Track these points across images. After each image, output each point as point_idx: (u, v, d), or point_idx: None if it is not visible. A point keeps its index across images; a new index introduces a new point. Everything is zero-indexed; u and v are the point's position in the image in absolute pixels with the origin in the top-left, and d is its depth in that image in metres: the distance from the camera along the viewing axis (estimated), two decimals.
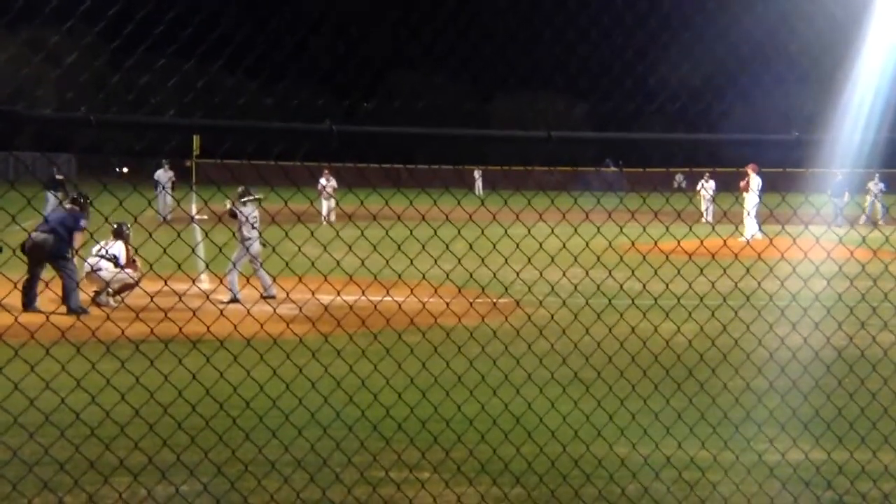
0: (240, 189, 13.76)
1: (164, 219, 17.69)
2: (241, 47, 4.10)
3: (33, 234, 11.31)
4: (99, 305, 11.64)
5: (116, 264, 12.38)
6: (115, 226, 12.38)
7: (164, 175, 28.09)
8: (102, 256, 12.32)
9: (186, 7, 3.96)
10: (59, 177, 27.83)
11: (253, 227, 13.07)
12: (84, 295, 11.45)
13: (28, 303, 11.22)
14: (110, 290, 12.08)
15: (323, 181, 27.64)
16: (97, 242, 12.37)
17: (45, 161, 41.29)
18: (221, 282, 12.10)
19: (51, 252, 11.57)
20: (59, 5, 3.36)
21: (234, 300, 11.51)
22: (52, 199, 24.94)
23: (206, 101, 4.49)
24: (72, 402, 4.53)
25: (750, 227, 20.86)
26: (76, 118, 3.03)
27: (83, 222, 12.05)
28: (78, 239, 12.03)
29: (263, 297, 11.10)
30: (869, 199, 30.33)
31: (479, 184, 46.88)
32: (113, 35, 3.88)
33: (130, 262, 12.36)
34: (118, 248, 12.55)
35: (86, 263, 12.18)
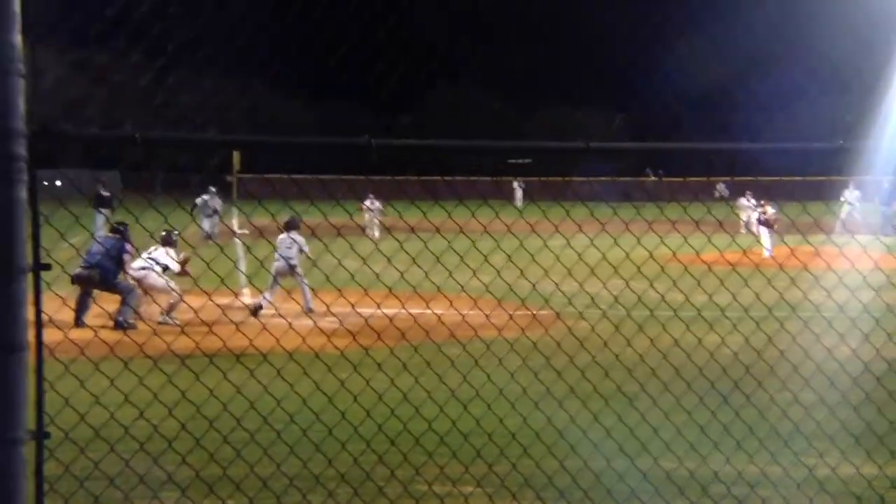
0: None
1: (209, 236, 17.80)
2: (281, 66, 4.16)
3: (79, 271, 11.62)
4: (122, 326, 11.67)
5: (165, 270, 12.67)
6: (164, 233, 12.63)
7: (211, 201, 26.43)
8: (150, 265, 12.63)
9: (229, 28, 4.03)
10: (105, 194, 28.41)
11: (286, 250, 13.35)
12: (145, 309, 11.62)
13: (78, 318, 11.48)
14: (163, 311, 12.31)
15: (368, 203, 27.02)
16: (142, 253, 12.66)
17: (92, 178, 42.13)
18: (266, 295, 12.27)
19: (100, 284, 11.88)
20: (105, 28, 3.44)
21: (258, 309, 11.82)
22: (99, 216, 25.45)
23: (248, 118, 4.55)
24: (121, 417, 4.61)
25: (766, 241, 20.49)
26: (122, 136, 3.09)
27: (128, 249, 12.30)
28: (127, 261, 12.30)
29: (305, 312, 11.31)
30: (846, 207, 29.65)
31: (518, 194, 46.82)
32: (157, 55, 3.95)
33: (183, 268, 12.64)
34: (162, 255, 12.82)
35: (130, 271, 12.47)
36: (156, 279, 12.55)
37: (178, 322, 11.89)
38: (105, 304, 10.93)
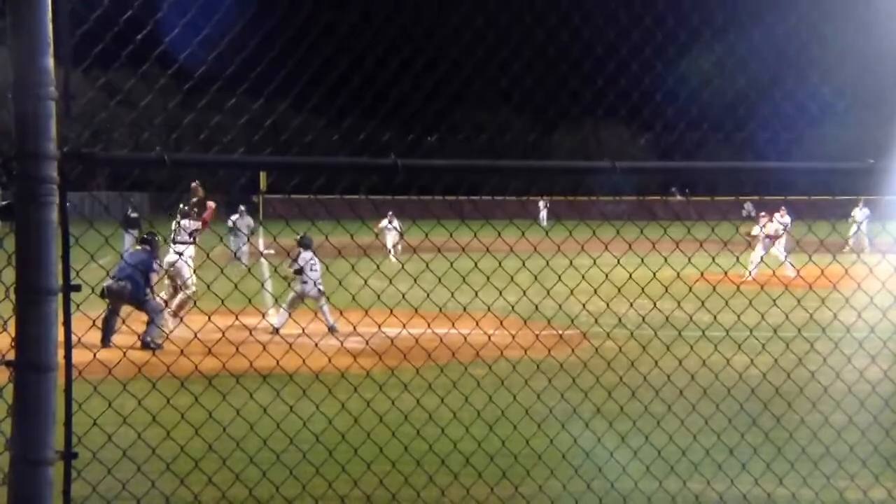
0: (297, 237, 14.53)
1: (235, 255, 17.85)
2: (307, 86, 4.18)
3: (110, 283, 11.76)
4: (149, 346, 11.70)
5: (191, 235, 13.39)
6: (183, 207, 13.78)
7: (241, 221, 25.59)
8: (181, 252, 13.44)
9: (255, 48, 4.06)
10: (133, 215, 28.72)
11: (311, 270, 13.47)
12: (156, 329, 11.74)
13: (106, 338, 11.58)
14: (171, 311, 12.66)
15: (385, 222, 26.70)
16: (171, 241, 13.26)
17: (120, 200, 42.65)
18: (315, 315, 12.37)
19: (130, 298, 12.01)
20: (133, 50, 3.48)
21: (276, 330, 11.94)
22: (128, 237, 25.71)
23: (274, 139, 4.59)
24: (148, 437, 4.62)
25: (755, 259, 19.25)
26: (151, 159, 3.12)
27: (156, 265, 12.51)
28: (154, 279, 12.50)
29: (330, 331, 11.46)
30: (853, 227, 29.30)
31: (543, 214, 46.80)
32: (185, 77, 4.00)
33: (205, 217, 13.22)
34: (187, 227, 13.64)
35: (170, 254, 13.30)
36: (185, 269, 13.10)
37: (172, 328, 12.14)
38: (133, 324, 11.03)
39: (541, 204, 49.31)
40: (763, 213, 22.50)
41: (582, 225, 5.00)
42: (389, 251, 23.74)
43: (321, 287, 13.35)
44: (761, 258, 19.37)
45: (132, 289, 12.07)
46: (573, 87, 4.92)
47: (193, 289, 13.21)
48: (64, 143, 2.78)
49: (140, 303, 12.10)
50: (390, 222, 26.56)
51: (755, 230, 21.05)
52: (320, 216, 4.20)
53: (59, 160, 2.74)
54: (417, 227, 4.68)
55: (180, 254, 13.50)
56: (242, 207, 26.28)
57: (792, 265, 19.87)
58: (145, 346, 11.35)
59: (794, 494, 5.26)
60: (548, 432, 5.72)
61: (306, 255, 13.89)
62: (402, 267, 4.31)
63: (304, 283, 13.49)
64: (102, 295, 11.62)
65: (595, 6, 4.48)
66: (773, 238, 21.42)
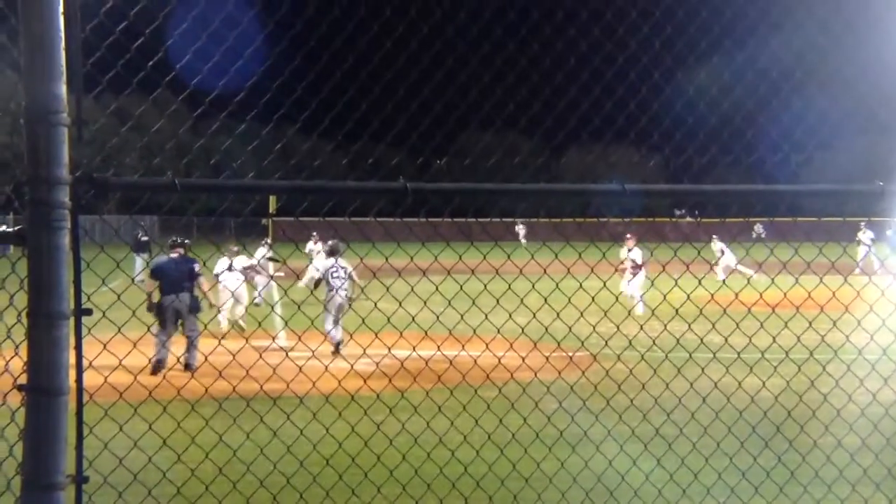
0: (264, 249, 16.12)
1: (259, 295, 17.75)
2: (316, 110, 4.21)
3: (168, 299, 11.85)
4: (191, 368, 11.82)
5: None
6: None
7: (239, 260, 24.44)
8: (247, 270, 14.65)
9: (263, 74, 4.10)
10: (144, 239, 28.85)
11: (333, 278, 13.49)
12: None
13: (162, 366, 11.44)
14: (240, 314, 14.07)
15: (311, 244, 24.64)
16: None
17: (131, 224, 42.91)
18: (326, 337, 12.42)
19: (190, 309, 12.08)
20: (144, 76, 3.52)
21: (337, 349, 12.11)
22: (139, 261, 25.77)
23: (284, 163, 4.62)
24: (158, 461, 4.62)
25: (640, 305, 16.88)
26: (161, 183, 3.15)
27: (197, 266, 12.57)
28: (204, 284, 12.56)
29: (332, 352, 11.55)
30: (862, 249, 29.21)
31: (522, 233, 47.78)
32: (195, 103, 4.04)
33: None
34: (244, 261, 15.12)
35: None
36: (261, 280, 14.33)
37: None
38: (146, 347, 11.03)
39: (519, 227, 50.14)
40: (629, 236, 20.19)
41: (591, 247, 5.00)
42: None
43: (346, 292, 13.30)
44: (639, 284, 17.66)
45: (190, 300, 12.16)
46: (582, 110, 4.94)
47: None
48: (76, 168, 2.80)
49: (193, 310, 12.10)
50: (315, 244, 24.59)
51: (625, 255, 19.03)
52: (331, 237, 4.21)
53: (71, 185, 2.77)
54: (427, 249, 4.70)
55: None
56: (268, 241, 24.50)
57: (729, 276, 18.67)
58: (188, 368, 11.26)
59: None
60: (559, 455, 5.69)
61: (326, 263, 13.82)
62: (412, 289, 4.30)
63: (330, 290, 13.44)
64: (155, 311, 11.76)
65: (603, 30, 4.50)
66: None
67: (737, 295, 5.38)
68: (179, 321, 12.16)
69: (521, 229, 50.04)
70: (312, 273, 15.23)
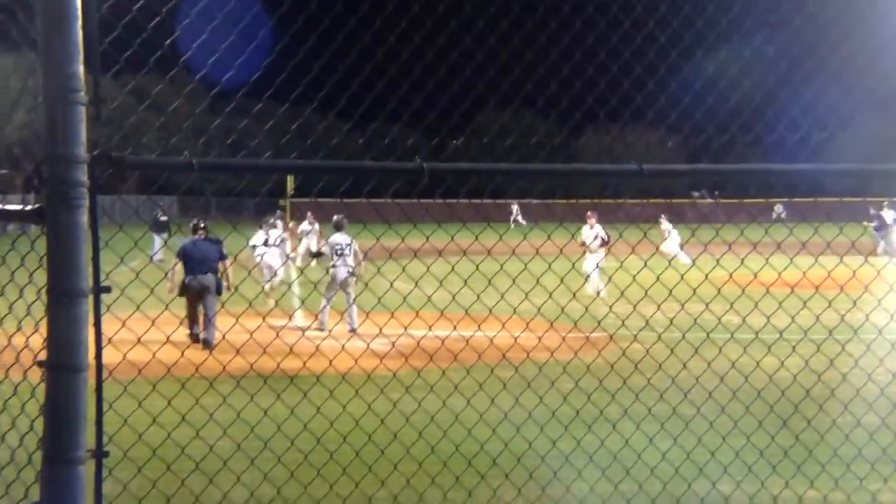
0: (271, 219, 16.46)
1: (274, 276, 18.01)
2: (332, 89, 4.21)
3: (197, 278, 12.16)
4: (210, 345, 12.17)
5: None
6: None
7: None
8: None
9: (280, 53, 4.10)
10: (163, 218, 29.05)
11: (336, 255, 13.58)
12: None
13: (197, 336, 12.02)
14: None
15: (306, 224, 23.95)
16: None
17: (150, 204, 43.18)
18: (316, 317, 12.50)
19: (216, 289, 12.36)
20: (162, 55, 3.53)
21: (320, 329, 12.15)
22: (157, 240, 25.98)
23: (300, 143, 4.62)
24: (177, 437, 4.68)
25: (593, 282, 16.19)
26: (179, 163, 3.16)
27: (224, 248, 12.86)
28: (230, 268, 12.81)
29: (350, 332, 11.62)
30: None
31: (517, 217, 47.39)
32: (212, 83, 4.05)
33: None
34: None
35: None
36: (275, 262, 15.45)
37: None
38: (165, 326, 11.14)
39: (514, 208, 49.70)
40: (590, 213, 18.88)
41: (608, 228, 4.98)
42: (313, 256, 16.99)
43: (350, 269, 13.38)
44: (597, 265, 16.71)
45: (216, 280, 12.48)
46: (600, 89, 4.90)
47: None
48: (94, 147, 2.82)
49: (217, 292, 12.41)
50: (311, 224, 24.09)
51: (587, 236, 18.34)
52: (348, 218, 4.20)
53: (89, 164, 2.78)
54: (443, 230, 4.70)
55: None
56: (279, 213, 23.37)
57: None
58: (207, 345, 11.56)
59: (826, 497, 5.20)
60: (575, 434, 5.70)
61: (334, 239, 13.91)
62: (428, 269, 4.29)
63: (335, 266, 13.55)
64: (182, 293, 12.08)
65: (622, 8, 4.46)
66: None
67: (755, 275, 5.36)
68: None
69: (515, 210, 49.58)
70: (309, 248, 16.00)
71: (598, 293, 13.48)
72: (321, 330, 12.20)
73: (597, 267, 16.15)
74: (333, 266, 13.53)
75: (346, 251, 13.56)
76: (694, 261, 4.76)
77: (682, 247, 21.08)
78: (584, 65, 4.71)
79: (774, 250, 4.96)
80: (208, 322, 12.14)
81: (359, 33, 4.08)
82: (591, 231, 18.15)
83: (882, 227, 27.65)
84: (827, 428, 5.94)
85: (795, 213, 35.00)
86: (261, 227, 17.09)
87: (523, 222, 44.94)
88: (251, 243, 15.83)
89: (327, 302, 13.18)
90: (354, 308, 12.94)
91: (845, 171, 4.07)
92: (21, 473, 3.26)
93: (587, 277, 16.12)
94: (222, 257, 12.68)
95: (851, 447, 5.49)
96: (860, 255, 4.70)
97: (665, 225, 26.74)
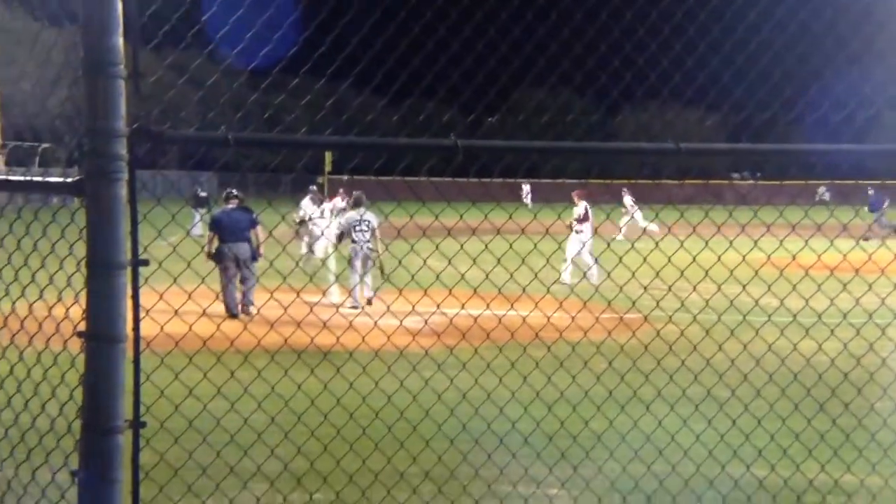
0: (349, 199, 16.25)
1: (310, 250, 18.22)
2: (368, 65, 4.20)
3: (230, 247, 12.37)
4: (249, 312, 12.52)
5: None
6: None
7: (309, 206, 20.58)
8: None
9: (317, 29, 4.09)
10: (202, 194, 29.40)
11: (356, 232, 13.70)
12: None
13: (233, 308, 12.24)
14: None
15: (338, 200, 22.20)
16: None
17: (190, 179, 43.65)
18: (350, 293, 12.58)
19: (248, 259, 12.59)
20: (200, 29, 3.54)
21: (354, 307, 12.18)
22: (197, 215, 26.30)
23: (335, 119, 4.63)
24: (213, 409, 4.74)
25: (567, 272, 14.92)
26: (215, 137, 3.18)
27: (256, 216, 13.05)
28: (262, 235, 12.95)
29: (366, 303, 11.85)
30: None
31: (528, 197, 46.31)
32: (249, 57, 4.06)
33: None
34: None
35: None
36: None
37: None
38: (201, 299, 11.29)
39: (525, 187, 48.56)
40: (575, 192, 17.43)
41: (644, 208, 4.93)
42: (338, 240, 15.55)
43: (370, 246, 13.49)
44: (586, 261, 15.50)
45: (249, 248, 12.70)
46: (638, 66, 4.83)
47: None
48: (133, 121, 2.85)
49: (253, 261, 12.65)
50: (342, 199, 22.61)
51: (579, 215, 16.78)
52: (382, 197, 4.22)
53: (128, 138, 2.81)
54: (477, 208, 4.68)
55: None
56: (314, 189, 22.63)
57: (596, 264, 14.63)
58: (246, 312, 11.87)
59: (863, 482, 5.14)
60: (607, 414, 5.69)
61: (352, 215, 14.08)
62: (461, 247, 4.28)
63: (354, 242, 13.70)
64: (215, 258, 12.26)
65: None
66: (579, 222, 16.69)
67: (794, 257, 5.27)
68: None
69: (526, 190, 48.35)
70: (324, 231, 16.17)
71: (585, 274, 12.45)
72: (355, 308, 12.27)
73: (580, 250, 14.90)
74: (353, 242, 13.70)
75: (364, 227, 13.72)
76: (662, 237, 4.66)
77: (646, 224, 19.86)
78: (621, 41, 4.64)
79: (814, 233, 4.88)
80: (246, 290, 12.45)
81: (395, 9, 4.06)
82: (579, 210, 16.71)
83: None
84: (865, 412, 5.86)
85: (838, 195, 34.41)
86: (313, 202, 17.20)
87: (529, 203, 43.83)
88: (307, 215, 15.93)
89: (357, 279, 13.32)
90: (369, 279, 13.25)
91: (890, 152, 3.97)
92: (60, 442, 3.33)
93: (567, 264, 14.75)
94: (253, 225, 12.88)
95: (889, 432, 5.42)
96: None
97: (627, 200, 25.34)
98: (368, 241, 13.60)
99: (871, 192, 29.17)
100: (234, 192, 13.61)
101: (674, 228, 4.62)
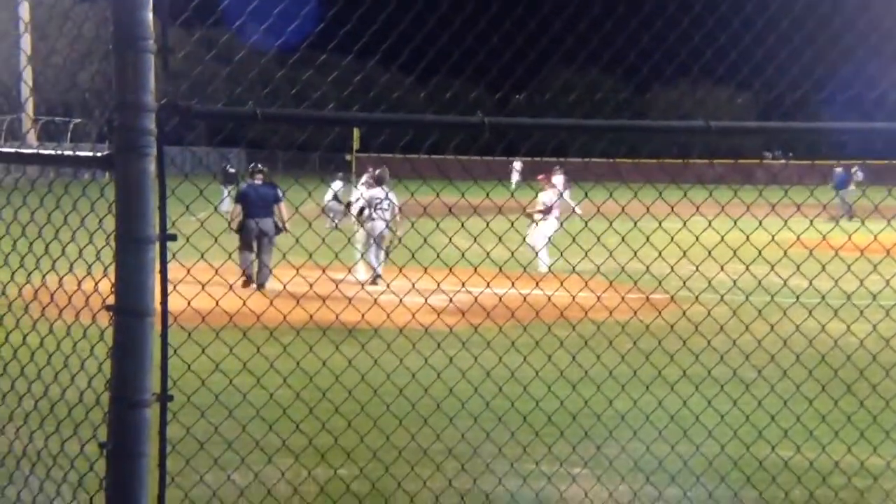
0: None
1: (335, 225, 18.10)
2: (396, 42, 4.18)
3: (256, 222, 12.52)
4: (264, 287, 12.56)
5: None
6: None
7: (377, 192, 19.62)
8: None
9: (343, 6, 4.08)
10: (231, 170, 29.56)
11: (373, 209, 13.66)
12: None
13: (251, 276, 12.37)
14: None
15: (366, 178, 23.09)
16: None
17: (218, 156, 43.90)
18: (374, 270, 12.63)
19: (273, 231, 12.74)
20: (229, 4, 3.55)
21: (375, 283, 12.10)
22: (225, 191, 26.45)
23: (363, 96, 4.62)
24: (239, 384, 4.79)
25: (543, 258, 13.71)
26: (243, 113, 3.19)
27: (279, 191, 13.18)
28: (284, 211, 13.08)
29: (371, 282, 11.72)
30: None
31: (516, 175, 44.34)
32: (277, 33, 4.05)
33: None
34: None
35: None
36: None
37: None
38: (228, 275, 11.39)
39: (516, 164, 46.38)
40: (541, 177, 15.28)
41: (672, 187, 4.89)
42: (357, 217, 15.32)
43: (387, 222, 13.34)
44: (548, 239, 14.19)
45: (272, 224, 12.88)
46: (668, 43, 4.77)
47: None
48: (162, 96, 2.86)
49: (274, 236, 12.82)
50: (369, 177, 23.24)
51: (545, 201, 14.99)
52: (408, 175, 4.21)
53: (157, 112, 2.83)
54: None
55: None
56: (340, 174, 22.73)
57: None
58: (261, 287, 11.97)
59: (889, 464, 5.10)
60: (632, 394, 5.67)
61: (373, 192, 14.03)
62: (487, 225, 4.27)
63: (373, 220, 13.65)
64: (240, 231, 12.40)
65: None
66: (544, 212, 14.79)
67: (824, 237, 5.20)
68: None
69: (517, 167, 46.13)
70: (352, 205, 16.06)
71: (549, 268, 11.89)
72: (375, 284, 12.26)
73: (548, 242, 13.70)
74: (371, 219, 13.64)
75: (384, 205, 13.63)
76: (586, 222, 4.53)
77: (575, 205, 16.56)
78: (652, 18, 4.59)
79: (846, 212, 4.80)
80: (262, 265, 12.59)
81: None
82: (547, 196, 14.82)
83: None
84: (893, 394, 5.80)
85: (871, 175, 33.88)
86: (362, 184, 15.60)
87: (513, 182, 41.49)
88: (356, 203, 14.57)
89: (375, 257, 13.31)
90: (381, 258, 13.20)
91: None
92: (89, 415, 3.38)
93: (536, 252, 13.68)
94: (277, 201, 13.03)
95: None
96: None
97: (558, 178, 22.20)
98: (386, 219, 13.57)
99: (838, 169, 28.84)
100: (260, 166, 13.78)
101: (702, 208, 4.57)
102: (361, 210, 14.19)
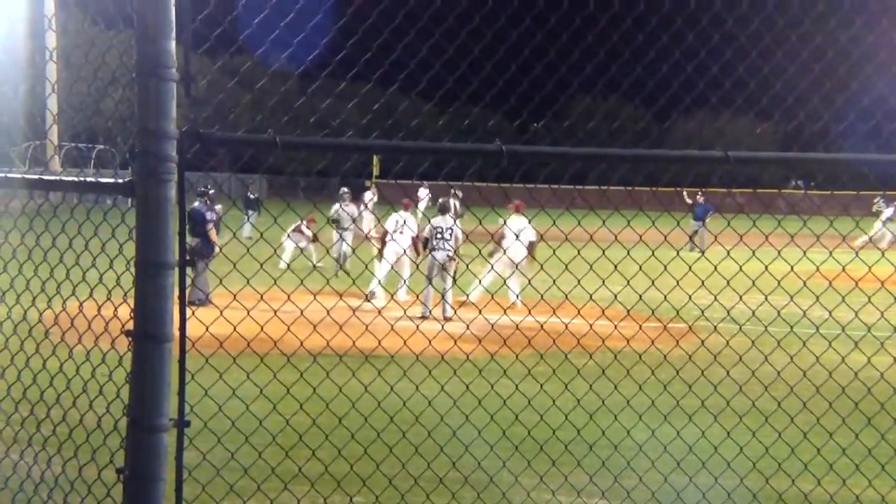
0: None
1: (338, 262, 18.15)
2: (415, 70, 4.22)
3: (193, 241, 13.08)
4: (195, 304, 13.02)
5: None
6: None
7: (344, 211, 19.65)
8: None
9: (364, 34, 4.13)
10: (252, 196, 29.79)
11: (437, 238, 13.47)
12: None
13: (194, 298, 12.59)
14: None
15: (370, 194, 22.96)
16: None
17: (239, 183, 44.25)
18: (417, 297, 12.60)
19: (200, 253, 13.09)
20: (251, 33, 3.60)
21: (424, 315, 11.94)
22: (245, 217, 26.60)
23: (382, 123, 4.66)
24: (255, 410, 4.79)
25: (513, 286, 12.90)
26: (262, 140, 3.22)
27: (210, 215, 13.81)
28: (212, 232, 13.68)
29: (445, 319, 11.54)
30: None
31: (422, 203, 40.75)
32: (297, 62, 4.11)
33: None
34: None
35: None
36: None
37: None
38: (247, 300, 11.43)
39: (421, 192, 43.23)
40: (510, 205, 13.62)
41: (689, 217, 4.87)
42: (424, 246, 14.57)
43: (450, 254, 13.14)
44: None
45: (202, 244, 13.34)
46: (687, 73, 4.79)
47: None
48: (185, 122, 2.90)
49: (201, 256, 13.10)
50: (374, 194, 23.19)
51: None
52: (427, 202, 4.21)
53: (178, 139, 2.86)
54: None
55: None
56: (345, 189, 20.75)
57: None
58: (191, 304, 12.05)
59: None
60: (650, 424, 5.62)
61: (436, 222, 13.75)
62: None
63: (435, 249, 13.47)
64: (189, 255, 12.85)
65: None
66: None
67: (843, 268, 5.16)
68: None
69: (421, 194, 42.87)
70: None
71: (517, 299, 11.39)
72: (424, 317, 12.02)
73: (515, 270, 12.50)
74: (434, 249, 13.47)
75: (447, 235, 13.47)
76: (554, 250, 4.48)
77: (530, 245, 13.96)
78: (670, 47, 4.60)
79: (865, 243, 4.77)
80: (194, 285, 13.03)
81: (443, 13, 4.08)
82: (516, 223, 12.94)
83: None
84: None
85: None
86: (395, 212, 14.66)
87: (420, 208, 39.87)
88: (390, 230, 14.38)
89: (428, 285, 13.08)
90: (450, 294, 12.76)
91: None
92: (107, 440, 3.40)
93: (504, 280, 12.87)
94: (205, 221, 13.63)
95: None
96: None
97: (453, 202, 19.19)
98: (449, 251, 13.36)
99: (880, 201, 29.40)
100: (203, 188, 14.76)
101: (720, 237, 4.55)
102: (426, 241, 14.01)
